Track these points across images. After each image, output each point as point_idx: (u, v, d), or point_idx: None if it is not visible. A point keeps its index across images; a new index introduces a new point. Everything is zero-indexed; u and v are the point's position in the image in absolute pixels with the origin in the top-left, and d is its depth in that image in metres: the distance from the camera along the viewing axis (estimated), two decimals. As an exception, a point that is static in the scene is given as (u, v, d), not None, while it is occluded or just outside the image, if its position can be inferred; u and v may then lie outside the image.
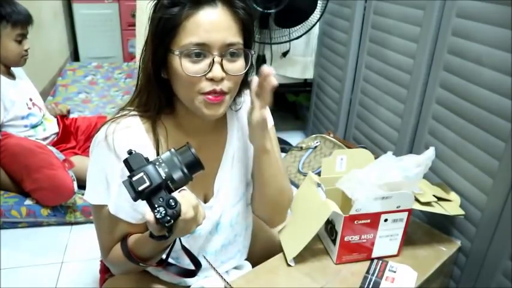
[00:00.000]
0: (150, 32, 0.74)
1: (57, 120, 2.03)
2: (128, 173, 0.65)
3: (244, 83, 0.80)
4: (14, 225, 1.70)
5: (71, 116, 2.23)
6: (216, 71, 0.71)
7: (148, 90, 0.77)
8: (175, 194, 0.65)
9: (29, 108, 1.84)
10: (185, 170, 0.66)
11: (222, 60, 0.71)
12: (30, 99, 1.87)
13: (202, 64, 0.71)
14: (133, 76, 3.08)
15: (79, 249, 1.61)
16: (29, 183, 1.67)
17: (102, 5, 3.50)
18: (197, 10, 0.70)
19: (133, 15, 3.19)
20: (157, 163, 0.65)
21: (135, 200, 0.64)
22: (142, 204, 0.76)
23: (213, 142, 0.87)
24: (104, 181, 0.78)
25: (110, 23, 3.57)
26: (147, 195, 0.63)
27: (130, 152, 0.66)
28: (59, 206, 1.70)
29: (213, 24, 0.70)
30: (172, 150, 0.67)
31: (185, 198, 0.66)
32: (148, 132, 0.79)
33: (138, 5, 2.23)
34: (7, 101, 1.73)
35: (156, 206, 0.63)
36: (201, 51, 0.71)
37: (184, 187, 0.68)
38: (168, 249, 0.79)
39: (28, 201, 1.69)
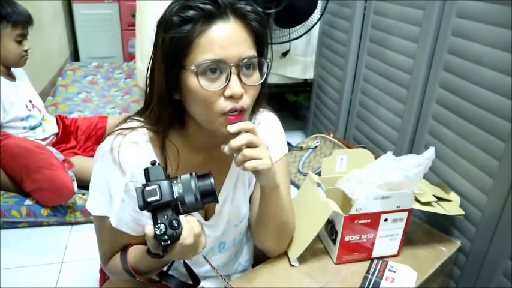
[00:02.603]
0: (160, 53, 0.70)
1: (57, 120, 2.03)
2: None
3: (258, 98, 0.77)
4: (14, 225, 1.70)
5: (71, 116, 2.23)
6: (235, 87, 0.67)
7: (160, 110, 0.74)
8: (181, 217, 0.64)
9: (29, 110, 1.84)
10: (198, 197, 0.65)
11: (239, 73, 0.68)
12: (30, 101, 1.87)
13: (220, 81, 0.68)
14: (133, 76, 3.08)
15: (79, 249, 1.61)
16: (28, 184, 1.67)
17: (102, 5, 3.50)
18: (210, 26, 0.67)
19: (133, 15, 3.19)
20: (174, 181, 0.65)
21: (141, 209, 0.63)
22: (145, 218, 0.76)
23: (219, 160, 0.84)
24: (107, 193, 0.76)
25: (110, 23, 3.57)
26: (154, 208, 0.63)
27: (153, 163, 0.66)
28: (59, 206, 1.70)
29: (227, 40, 0.67)
30: (194, 174, 0.66)
31: (189, 223, 0.65)
32: (156, 150, 0.77)
33: (138, 5, 2.23)
34: (6, 103, 1.74)
35: (159, 221, 0.62)
36: (216, 67, 0.68)
37: (192, 213, 0.67)
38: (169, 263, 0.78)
39: (28, 201, 1.69)
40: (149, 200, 0.62)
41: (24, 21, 1.74)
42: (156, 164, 0.66)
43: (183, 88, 0.71)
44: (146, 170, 0.66)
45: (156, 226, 0.61)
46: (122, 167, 0.74)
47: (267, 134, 0.88)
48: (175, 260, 0.72)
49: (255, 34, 0.72)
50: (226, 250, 0.92)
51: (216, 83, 0.68)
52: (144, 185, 0.63)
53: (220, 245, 0.91)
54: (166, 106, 0.73)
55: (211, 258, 0.90)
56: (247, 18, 0.70)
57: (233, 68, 0.68)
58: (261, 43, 0.74)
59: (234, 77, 0.68)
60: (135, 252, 0.78)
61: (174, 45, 0.68)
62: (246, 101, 0.71)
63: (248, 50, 0.69)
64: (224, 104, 0.69)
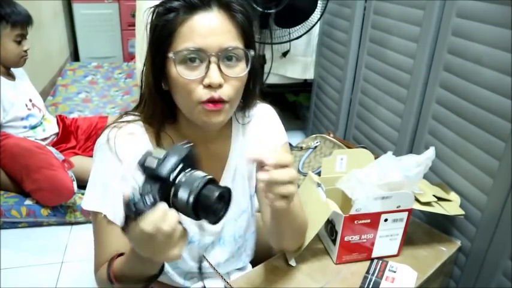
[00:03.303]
0: (148, 42, 0.72)
1: (57, 120, 2.03)
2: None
3: (251, 93, 0.77)
4: (14, 225, 1.70)
5: (71, 115, 2.23)
6: (213, 76, 0.67)
7: (152, 103, 0.75)
8: (162, 204, 0.54)
9: (29, 109, 1.84)
10: (191, 200, 0.55)
11: (219, 63, 0.68)
12: (30, 100, 1.87)
13: (199, 70, 0.69)
14: (133, 76, 3.08)
15: (79, 249, 1.61)
16: (28, 184, 1.67)
17: (102, 5, 3.50)
18: (192, 15, 0.68)
19: (133, 15, 3.19)
20: (186, 169, 0.57)
21: (138, 167, 0.57)
22: None
23: (215, 154, 0.84)
24: (103, 185, 0.75)
25: (110, 23, 3.57)
26: (145, 173, 0.56)
27: (189, 142, 0.60)
28: (59, 206, 1.70)
29: (208, 29, 0.68)
30: (209, 177, 0.57)
31: (162, 213, 0.54)
32: (152, 142, 0.77)
33: (138, 5, 2.23)
34: (6, 102, 1.73)
35: (140, 190, 0.54)
36: (196, 56, 0.68)
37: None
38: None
39: (28, 201, 1.69)
40: (146, 164, 0.56)
41: (23, 22, 1.73)
42: (189, 145, 0.58)
43: (168, 78, 0.71)
44: (176, 146, 0.58)
45: (132, 191, 0.54)
46: (119, 156, 0.74)
47: (264, 126, 0.88)
48: (142, 253, 0.59)
49: (240, 26, 0.71)
50: (227, 245, 0.91)
51: (196, 72, 0.68)
52: (157, 150, 0.57)
53: (220, 240, 0.90)
54: (156, 97, 0.74)
55: (211, 252, 0.90)
56: (231, 9, 0.70)
57: (213, 57, 0.67)
58: (248, 36, 0.73)
59: (213, 66, 0.68)
60: (123, 256, 0.70)
61: (157, 34, 0.69)
62: (227, 92, 0.70)
63: (230, 41, 0.69)
64: (202, 92, 0.69)
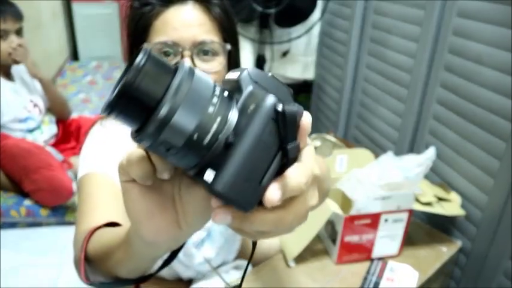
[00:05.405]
0: (126, 36, 0.71)
1: (57, 120, 2.02)
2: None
3: None
4: (13, 225, 1.70)
5: (71, 116, 2.22)
6: None
7: None
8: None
9: (28, 112, 1.82)
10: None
11: (193, 57, 0.66)
12: (31, 101, 1.85)
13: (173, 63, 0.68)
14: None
15: (79, 249, 1.60)
16: (28, 184, 1.67)
17: (102, 5, 3.50)
18: (167, 9, 0.67)
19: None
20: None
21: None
22: None
23: None
24: (102, 150, 0.70)
25: (109, 23, 3.57)
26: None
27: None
28: (59, 206, 1.70)
29: (182, 22, 0.66)
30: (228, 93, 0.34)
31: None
32: None
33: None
34: (4, 104, 1.72)
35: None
36: (170, 49, 0.66)
37: None
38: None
39: (27, 202, 1.69)
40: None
41: (6, 16, 1.65)
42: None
43: None
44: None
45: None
46: (113, 131, 0.72)
47: None
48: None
49: (217, 20, 0.69)
50: (215, 241, 0.88)
51: None
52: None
53: (209, 235, 0.89)
54: None
55: (201, 249, 0.88)
56: (207, 2, 0.68)
57: (186, 50, 0.66)
58: (226, 30, 0.71)
59: (186, 54, 0.66)
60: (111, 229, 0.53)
61: (133, 28, 0.69)
62: None
63: (205, 34, 0.67)
64: None
